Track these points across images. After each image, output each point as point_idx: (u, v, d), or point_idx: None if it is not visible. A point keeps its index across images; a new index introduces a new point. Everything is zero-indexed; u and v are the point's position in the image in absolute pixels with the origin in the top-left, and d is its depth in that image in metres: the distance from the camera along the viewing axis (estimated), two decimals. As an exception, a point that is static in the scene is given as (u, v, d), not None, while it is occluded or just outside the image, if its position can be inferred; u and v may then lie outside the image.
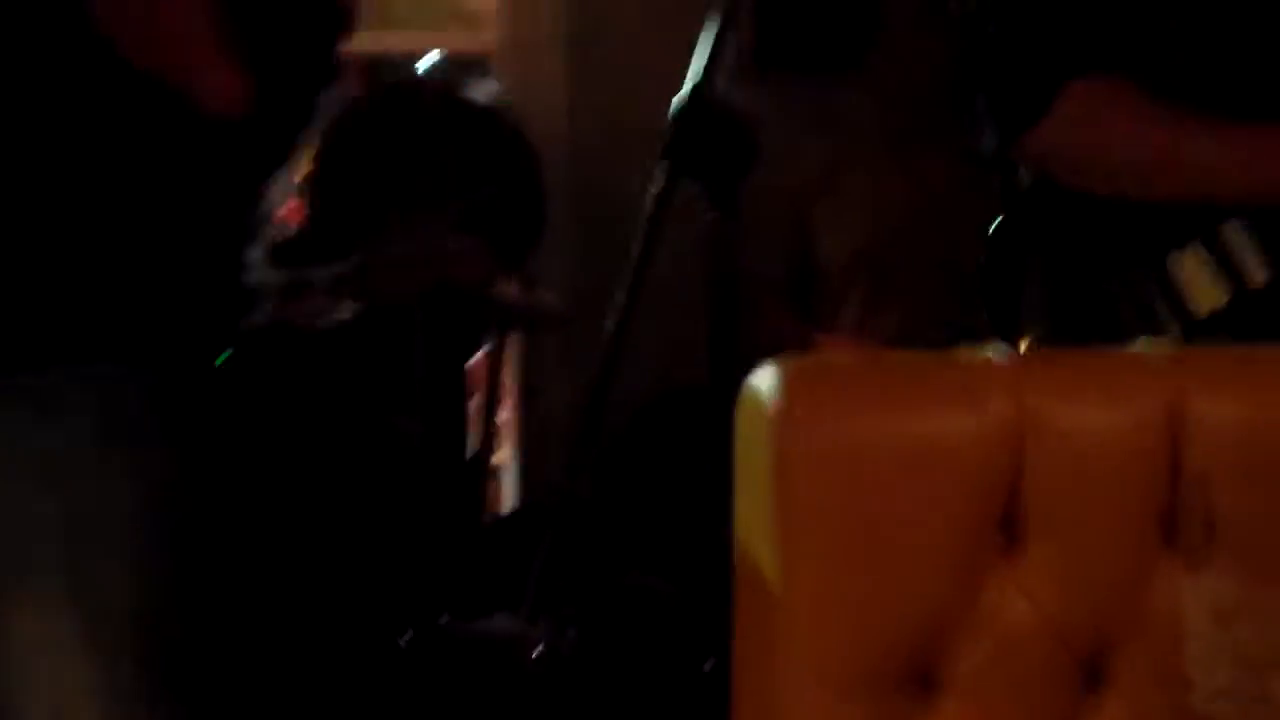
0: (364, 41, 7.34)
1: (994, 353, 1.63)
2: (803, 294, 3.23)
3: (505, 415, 3.62)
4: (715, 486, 3.04)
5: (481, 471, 3.37)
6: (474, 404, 3.39)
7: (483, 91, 3.88)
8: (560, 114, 3.71)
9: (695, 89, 2.02)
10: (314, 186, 3.45)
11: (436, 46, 4.62)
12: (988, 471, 1.56)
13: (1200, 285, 1.98)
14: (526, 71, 3.72)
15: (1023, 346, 2.04)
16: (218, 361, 2.80)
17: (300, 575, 3.08)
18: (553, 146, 3.64)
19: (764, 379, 1.66)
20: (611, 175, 3.67)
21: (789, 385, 1.61)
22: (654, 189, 1.97)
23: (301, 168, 3.56)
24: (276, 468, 3.12)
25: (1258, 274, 2.00)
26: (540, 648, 2.28)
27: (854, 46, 3.17)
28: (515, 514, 3.63)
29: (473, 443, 3.32)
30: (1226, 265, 1.99)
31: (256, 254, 3.71)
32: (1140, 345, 1.69)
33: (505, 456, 3.76)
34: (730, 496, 2.90)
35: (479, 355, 3.47)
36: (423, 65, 3.62)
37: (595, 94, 3.69)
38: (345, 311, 3.29)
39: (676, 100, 2.01)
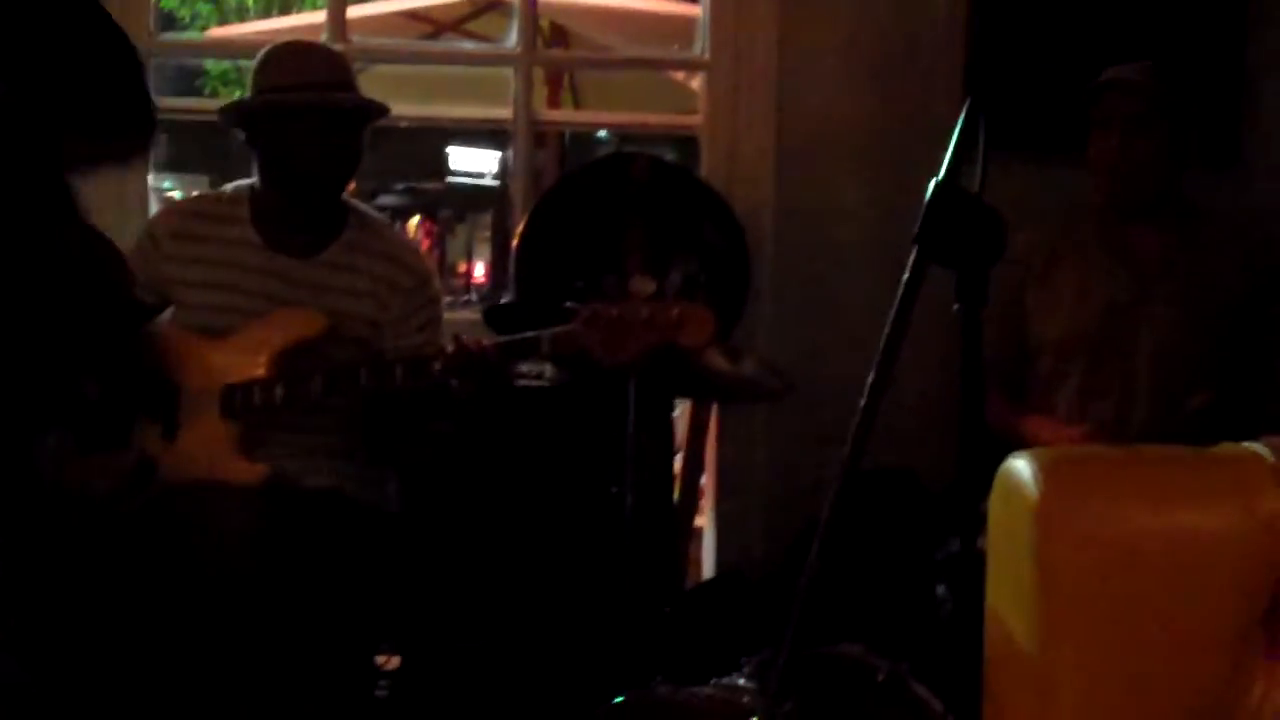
0: (572, 115, 7.56)
1: (1260, 449, 1.64)
2: (1016, 378, 3.24)
3: (705, 479, 3.67)
4: (923, 564, 3.09)
5: (684, 534, 3.43)
6: (677, 466, 3.45)
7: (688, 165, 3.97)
8: (766, 189, 3.76)
9: (947, 176, 2.04)
10: (525, 250, 3.55)
11: (647, 123, 4.74)
12: (1253, 569, 1.57)
13: None
14: (733, 148, 3.78)
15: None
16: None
17: (505, 635, 3.15)
18: (756, 222, 3.70)
19: (1023, 469, 1.69)
20: (810, 254, 3.73)
21: (1049, 476, 1.64)
22: (905, 275, 1.99)
23: (514, 232, 3.67)
24: (491, 526, 3.21)
25: None
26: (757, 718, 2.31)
27: (1073, 125, 3.18)
28: (716, 579, 3.68)
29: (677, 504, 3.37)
30: None
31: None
32: None
33: (704, 520, 3.80)
34: (932, 573, 2.92)
35: (681, 417, 3.54)
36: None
37: (799, 176, 3.75)
38: (560, 374, 3.39)
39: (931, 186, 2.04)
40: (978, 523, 1.91)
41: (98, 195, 3.68)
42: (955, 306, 1.99)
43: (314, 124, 2.84)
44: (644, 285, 3.35)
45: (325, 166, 2.88)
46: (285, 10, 15.34)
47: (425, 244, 13.34)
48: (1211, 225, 3.18)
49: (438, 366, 2.75)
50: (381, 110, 2.97)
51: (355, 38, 3.82)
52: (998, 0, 3.67)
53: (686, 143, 4.22)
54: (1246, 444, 1.65)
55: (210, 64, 15.25)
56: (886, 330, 2.00)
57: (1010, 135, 2.74)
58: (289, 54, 2.93)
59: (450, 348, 2.75)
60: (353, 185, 3.08)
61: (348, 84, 2.92)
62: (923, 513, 3.23)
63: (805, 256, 3.78)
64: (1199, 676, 1.53)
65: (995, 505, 1.71)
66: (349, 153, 2.90)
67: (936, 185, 2.01)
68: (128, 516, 2.81)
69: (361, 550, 2.85)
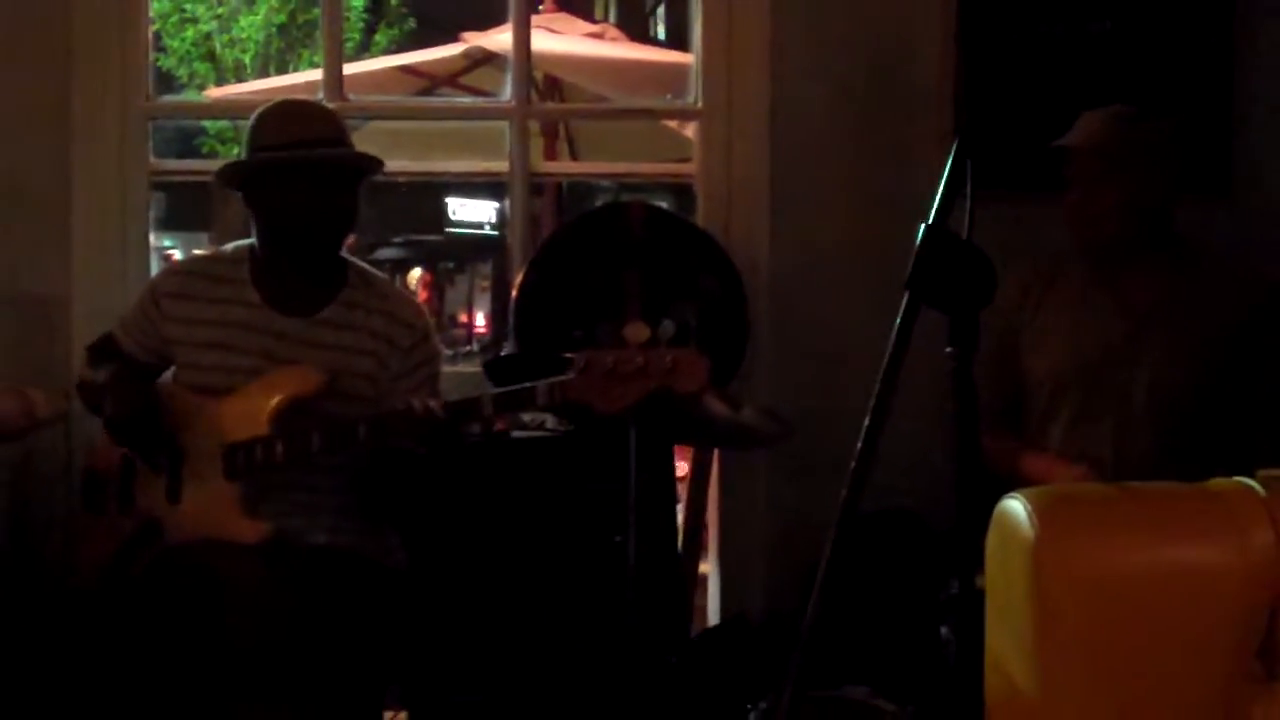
0: (569, 167, 7.59)
1: (1252, 483, 1.65)
2: (1012, 416, 3.26)
3: (708, 525, 3.67)
4: (928, 605, 3.09)
5: (689, 581, 3.44)
6: (680, 514, 3.47)
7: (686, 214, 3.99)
8: (761, 235, 3.79)
9: (936, 219, 2.06)
10: (525, 300, 3.58)
11: (642, 173, 4.77)
12: (1248, 602, 1.58)
13: None
14: (728, 195, 3.81)
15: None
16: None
17: (512, 687, 3.15)
18: (752, 268, 3.72)
19: (1018, 509, 1.70)
20: (806, 299, 3.75)
21: (1044, 516, 1.65)
22: (898, 319, 2.01)
23: (513, 282, 3.69)
24: (496, 577, 3.21)
25: None
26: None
27: (1057, 164, 3.20)
28: (721, 626, 3.68)
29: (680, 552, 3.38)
30: None
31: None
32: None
33: (708, 566, 3.81)
34: (936, 613, 2.92)
35: (683, 465, 3.57)
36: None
37: (794, 222, 3.77)
38: (558, 423, 3.41)
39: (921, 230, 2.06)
40: (976, 560, 1.92)
41: (99, 254, 3.75)
42: (948, 349, 2.02)
43: (309, 182, 2.86)
44: (638, 332, 3.38)
45: (322, 223, 2.91)
46: (282, 69, 15.47)
47: (424, 295, 13.41)
48: (1204, 263, 3.20)
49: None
50: (376, 165, 3.00)
51: (351, 95, 3.85)
52: (986, 43, 3.70)
53: (684, 190, 4.25)
54: (1239, 478, 1.66)
55: (208, 122, 15.39)
56: (881, 373, 2.02)
57: (999, 175, 2.78)
58: (282, 113, 2.95)
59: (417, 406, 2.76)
60: (352, 239, 3.10)
61: (342, 140, 2.95)
62: (927, 554, 3.24)
63: (801, 301, 3.80)
64: (1197, 710, 1.54)
65: (992, 546, 1.72)
66: (345, 209, 2.92)
67: (926, 229, 2.04)
68: (133, 577, 2.83)
69: (366, 605, 2.86)
